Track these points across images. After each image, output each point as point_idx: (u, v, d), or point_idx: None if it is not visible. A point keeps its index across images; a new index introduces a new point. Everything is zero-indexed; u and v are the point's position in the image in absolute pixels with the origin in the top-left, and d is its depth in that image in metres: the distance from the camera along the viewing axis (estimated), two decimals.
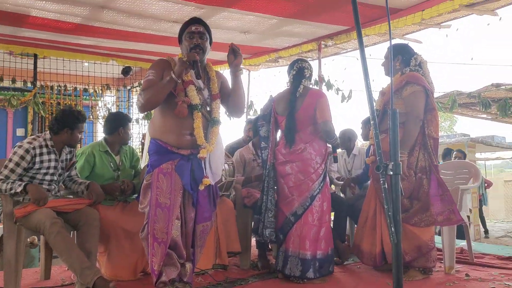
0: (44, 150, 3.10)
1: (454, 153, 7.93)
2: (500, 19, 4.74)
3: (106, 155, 3.56)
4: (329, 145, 3.54)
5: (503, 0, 4.37)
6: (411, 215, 3.23)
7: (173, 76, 2.56)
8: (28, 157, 3.01)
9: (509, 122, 10.26)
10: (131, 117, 7.79)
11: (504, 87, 6.87)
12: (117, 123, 3.55)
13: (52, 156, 3.14)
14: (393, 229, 1.30)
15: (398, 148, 1.36)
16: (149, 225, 2.57)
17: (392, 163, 1.34)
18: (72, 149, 3.34)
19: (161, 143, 2.66)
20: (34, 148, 3.04)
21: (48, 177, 3.13)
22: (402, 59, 3.43)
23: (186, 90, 2.66)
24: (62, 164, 3.25)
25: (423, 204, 3.22)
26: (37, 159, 3.05)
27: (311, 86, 3.63)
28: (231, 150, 4.56)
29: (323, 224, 3.37)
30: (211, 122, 2.76)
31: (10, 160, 3.00)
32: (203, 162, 2.69)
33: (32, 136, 3.17)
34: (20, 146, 3.04)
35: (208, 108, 2.78)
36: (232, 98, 2.84)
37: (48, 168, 3.11)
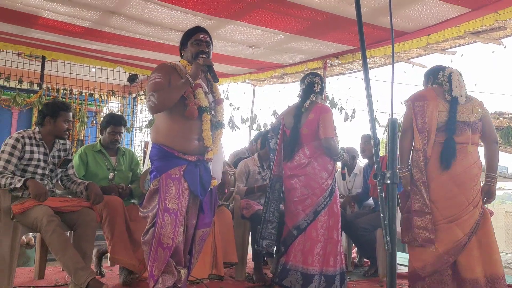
0: (33, 141, 3.14)
1: None
2: (505, 47, 4.80)
3: (100, 155, 3.63)
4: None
5: (508, 30, 4.42)
6: None
7: (189, 78, 2.61)
8: (19, 145, 3.05)
9: (510, 152, 10.25)
10: (134, 124, 7.91)
11: (507, 115, 6.91)
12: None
13: (41, 149, 3.16)
14: (388, 238, 1.30)
15: (395, 157, 1.37)
16: (156, 229, 2.55)
17: (390, 172, 1.35)
18: (67, 146, 3.36)
19: (167, 148, 2.65)
20: (23, 137, 3.09)
21: (39, 171, 3.14)
22: (433, 78, 3.35)
23: (195, 93, 2.70)
24: (54, 159, 3.25)
25: None
26: (27, 148, 3.08)
27: (321, 101, 3.64)
28: (236, 160, 4.58)
29: (330, 240, 3.32)
30: (215, 125, 2.79)
31: (3, 151, 3.02)
32: (209, 165, 2.72)
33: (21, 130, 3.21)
34: (9, 138, 3.09)
35: (213, 112, 2.81)
36: None
37: (39, 160, 3.13)
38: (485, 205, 3.19)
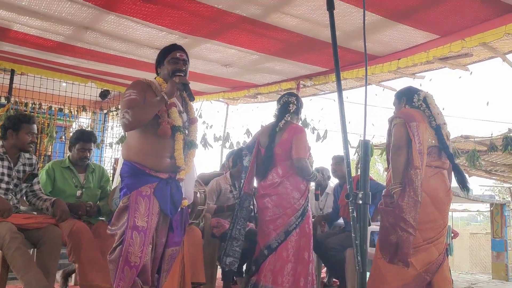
0: None
1: None
2: (471, 73, 4.99)
3: (68, 171, 3.53)
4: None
5: (474, 57, 4.61)
6: None
7: (165, 96, 2.58)
8: None
9: (476, 175, 10.56)
10: (105, 140, 7.78)
11: (472, 139, 7.11)
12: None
13: (5, 163, 3.08)
14: (359, 258, 1.31)
15: (367, 178, 1.39)
16: (124, 247, 2.49)
17: (362, 192, 1.37)
18: (33, 161, 3.27)
19: (138, 165, 2.61)
20: None
21: (3, 185, 3.05)
22: (406, 99, 3.44)
23: (169, 112, 2.67)
24: (18, 174, 3.16)
25: None
26: None
27: (296, 121, 3.68)
28: (205, 180, 4.54)
29: (301, 261, 3.32)
30: (188, 145, 2.77)
31: None
32: (181, 184, 2.69)
33: None
34: None
35: (186, 131, 2.79)
36: None
37: (2, 174, 3.05)
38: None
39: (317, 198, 3.91)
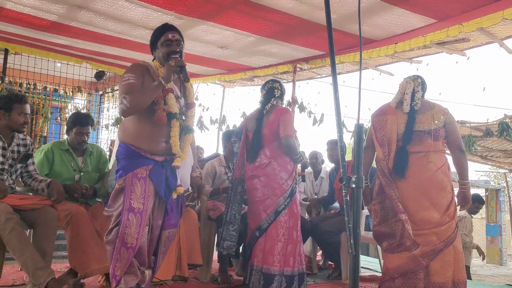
0: None
1: None
2: (468, 58, 4.98)
3: (67, 154, 3.48)
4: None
5: (472, 42, 4.59)
6: None
7: (162, 81, 2.55)
8: None
9: (472, 160, 10.61)
10: (100, 122, 7.75)
11: (468, 124, 7.14)
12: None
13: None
14: (352, 241, 1.32)
15: (361, 162, 1.40)
16: (120, 229, 2.50)
17: (355, 176, 1.37)
18: (27, 141, 3.25)
19: (134, 148, 2.61)
20: None
21: None
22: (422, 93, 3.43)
23: (166, 98, 2.64)
24: (13, 154, 3.14)
25: None
26: None
27: (281, 105, 3.72)
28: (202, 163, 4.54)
29: (291, 241, 3.37)
30: (185, 130, 2.75)
31: None
32: (177, 170, 2.68)
33: None
34: None
35: (183, 117, 2.78)
36: None
37: None
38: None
39: (303, 180, 3.93)
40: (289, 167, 3.48)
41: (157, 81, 2.56)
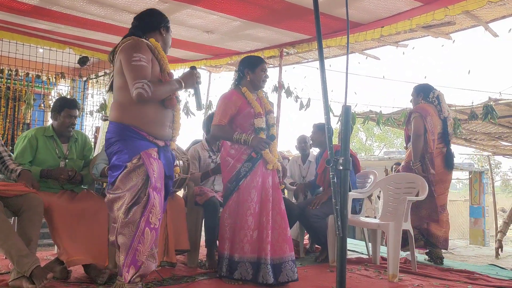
0: None
1: (394, 166, 8.17)
2: (453, 42, 5.00)
3: (51, 141, 3.40)
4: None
5: (457, 25, 4.61)
6: None
7: (183, 84, 2.67)
8: None
9: (456, 143, 10.73)
10: (85, 109, 7.65)
11: (454, 107, 7.19)
12: None
13: None
14: (339, 223, 1.33)
15: (348, 144, 1.39)
16: (147, 208, 2.42)
17: (342, 158, 1.37)
18: None
19: (136, 129, 2.53)
20: None
21: None
22: (423, 95, 4.50)
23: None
24: None
25: None
26: None
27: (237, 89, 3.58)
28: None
29: (236, 225, 3.22)
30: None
31: None
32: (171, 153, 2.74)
33: None
34: None
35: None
36: None
37: None
38: None
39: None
40: (232, 151, 3.35)
41: (178, 84, 2.65)
